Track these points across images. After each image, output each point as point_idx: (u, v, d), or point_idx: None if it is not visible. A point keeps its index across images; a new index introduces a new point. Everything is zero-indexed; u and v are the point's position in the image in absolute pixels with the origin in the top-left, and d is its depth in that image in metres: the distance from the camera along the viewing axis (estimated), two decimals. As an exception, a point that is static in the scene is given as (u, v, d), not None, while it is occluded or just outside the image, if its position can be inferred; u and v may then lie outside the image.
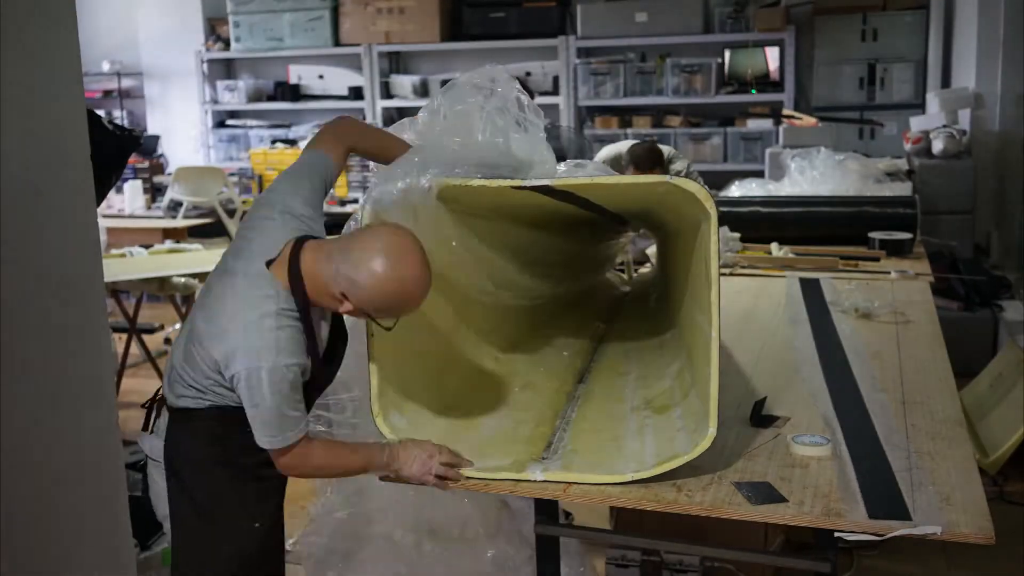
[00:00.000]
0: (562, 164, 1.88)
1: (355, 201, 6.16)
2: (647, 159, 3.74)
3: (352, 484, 1.99)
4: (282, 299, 1.62)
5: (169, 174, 6.65)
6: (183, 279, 4.30)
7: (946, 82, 5.72)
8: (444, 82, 7.36)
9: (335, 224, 6.08)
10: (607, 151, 4.16)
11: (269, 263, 1.65)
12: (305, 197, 1.74)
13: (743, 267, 3.32)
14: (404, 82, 6.73)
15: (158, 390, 1.84)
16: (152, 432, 1.82)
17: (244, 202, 6.27)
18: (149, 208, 6.51)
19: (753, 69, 6.13)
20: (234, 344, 1.60)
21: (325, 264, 1.62)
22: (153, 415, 1.83)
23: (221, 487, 1.77)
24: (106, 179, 2.50)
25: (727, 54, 6.15)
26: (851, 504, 1.58)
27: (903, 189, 4.28)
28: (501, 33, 6.40)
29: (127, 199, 6.42)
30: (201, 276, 4.26)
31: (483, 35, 6.44)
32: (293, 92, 7.04)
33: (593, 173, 1.84)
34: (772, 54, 6.09)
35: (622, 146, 4.16)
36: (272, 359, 1.59)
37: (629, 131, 6.30)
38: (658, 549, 2.59)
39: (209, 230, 5.97)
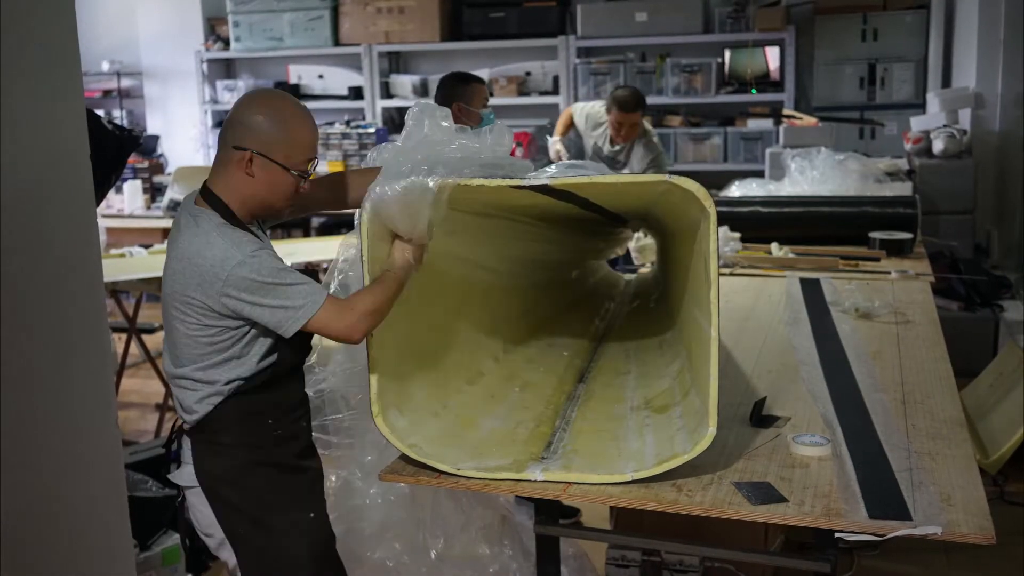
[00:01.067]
0: (553, 166, 1.88)
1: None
2: (632, 100, 4.02)
3: (349, 502, 1.97)
4: (215, 216, 1.68)
5: (169, 174, 6.65)
6: (183, 279, 4.29)
7: (946, 82, 5.72)
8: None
9: (337, 224, 6.16)
10: (579, 107, 4.41)
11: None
12: None
13: (743, 267, 3.32)
14: (404, 82, 6.73)
15: (173, 425, 1.84)
16: (180, 464, 1.81)
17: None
18: (149, 208, 6.51)
19: (753, 69, 6.13)
20: (201, 269, 1.64)
21: (221, 154, 1.71)
22: (176, 447, 1.83)
23: (268, 489, 1.76)
24: (105, 179, 2.49)
25: (727, 54, 6.15)
26: (851, 504, 1.58)
27: (903, 189, 4.28)
28: (501, 33, 6.40)
29: (127, 199, 6.41)
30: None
31: (483, 35, 6.44)
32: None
33: (592, 173, 1.84)
34: (772, 54, 6.08)
35: (593, 104, 4.41)
36: (238, 254, 1.62)
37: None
38: (658, 549, 2.59)
39: (209, 230, 5.96)
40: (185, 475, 1.80)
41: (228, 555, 1.84)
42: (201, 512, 1.80)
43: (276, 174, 1.69)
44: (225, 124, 1.73)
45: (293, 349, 1.75)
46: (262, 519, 1.76)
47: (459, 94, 3.04)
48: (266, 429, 1.75)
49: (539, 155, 3.66)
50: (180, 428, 1.80)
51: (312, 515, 1.81)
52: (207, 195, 1.73)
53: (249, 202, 1.72)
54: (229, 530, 1.77)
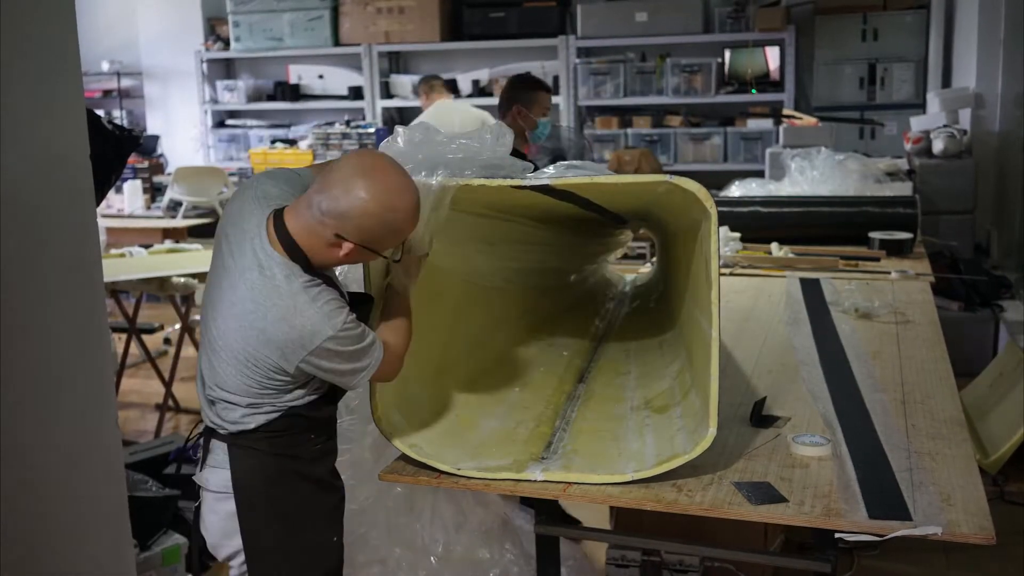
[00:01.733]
0: (551, 167, 1.88)
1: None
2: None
3: (347, 505, 1.96)
4: (296, 270, 1.59)
5: (169, 174, 6.65)
6: (183, 279, 4.30)
7: (946, 82, 5.72)
8: (444, 82, 7.29)
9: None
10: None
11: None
12: (279, 185, 1.71)
13: (743, 267, 3.32)
14: (404, 82, 6.74)
15: (196, 424, 1.80)
16: (205, 466, 1.75)
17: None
18: (149, 208, 6.51)
19: (753, 69, 6.13)
20: (286, 336, 1.56)
21: (308, 213, 1.59)
22: (200, 448, 1.77)
23: (301, 505, 1.73)
24: (105, 179, 2.49)
25: (727, 54, 6.15)
26: (851, 504, 1.58)
27: (903, 189, 4.28)
28: (501, 33, 6.41)
29: (127, 199, 6.42)
30: (201, 276, 4.25)
31: (483, 35, 6.45)
32: (293, 92, 7.04)
33: (592, 173, 1.84)
34: (772, 54, 6.09)
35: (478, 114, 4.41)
36: (329, 329, 1.56)
37: (629, 131, 6.31)
38: (658, 549, 2.59)
39: (209, 230, 5.97)
40: (213, 480, 1.74)
41: (236, 566, 1.81)
42: (218, 517, 1.75)
43: (368, 256, 1.64)
44: (326, 192, 1.57)
45: None
46: (288, 537, 1.73)
47: (521, 98, 3.16)
48: (308, 443, 1.72)
49: (539, 155, 3.66)
50: (209, 430, 1.74)
51: (335, 538, 1.78)
52: (284, 237, 1.59)
53: (320, 262, 1.64)
54: (251, 543, 1.72)
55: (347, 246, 1.58)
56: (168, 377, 4.38)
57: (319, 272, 1.63)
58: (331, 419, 1.79)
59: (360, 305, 1.69)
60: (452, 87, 6.57)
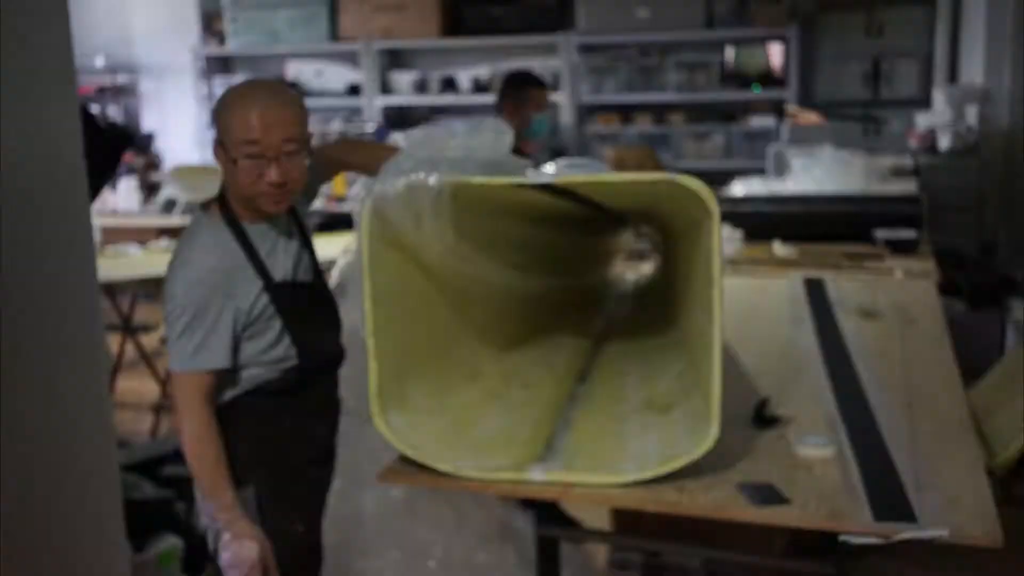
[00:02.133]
0: (552, 165, 1.86)
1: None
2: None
3: (344, 507, 1.95)
4: (202, 217, 1.70)
5: (165, 172, 6.62)
6: (181, 277, 4.27)
7: (953, 77, 5.69)
8: (443, 79, 7.27)
9: (337, 222, 6.09)
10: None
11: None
12: None
13: (746, 266, 3.30)
14: (403, 78, 6.71)
15: None
16: None
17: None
18: (144, 206, 6.48)
19: (756, 65, 6.10)
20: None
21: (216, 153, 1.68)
22: None
23: (267, 489, 1.75)
24: (99, 177, 2.47)
25: (730, 50, 6.12)
26: (856, 506, 1.56)
27: (908, 186, 4.25)
28: (501, 29, 6.38)
29: (121, 197, 6.38)
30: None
31: (482, 31, 6.42)
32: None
33: (593, 171, 1.82)
34: (775, 50, 6.06)
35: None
36: (184, 254, 1.65)
37: (631, 128, 6.29)
38: (659, 551, 2.57)
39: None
40: None
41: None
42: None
43: (224, 153, 1.68)
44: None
45: (308, 355, 1.77)
46: (259, 516, 1.74)
47: (512, 95, 3.18)
48: (285, 427, 1.76)
49: (540, 153, 3.65)
50: None
51: (301, 529, 1.80)
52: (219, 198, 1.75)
53: (237, 195, 1.71)
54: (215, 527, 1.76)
55: (217, 147, 1.67)
56: (164, 377, 4.36)
57: (238, 225, 1.69)
58: (311, 408, 1.81)
59: (278, 290, 1.71)
60: (451, 84, 6.55)
